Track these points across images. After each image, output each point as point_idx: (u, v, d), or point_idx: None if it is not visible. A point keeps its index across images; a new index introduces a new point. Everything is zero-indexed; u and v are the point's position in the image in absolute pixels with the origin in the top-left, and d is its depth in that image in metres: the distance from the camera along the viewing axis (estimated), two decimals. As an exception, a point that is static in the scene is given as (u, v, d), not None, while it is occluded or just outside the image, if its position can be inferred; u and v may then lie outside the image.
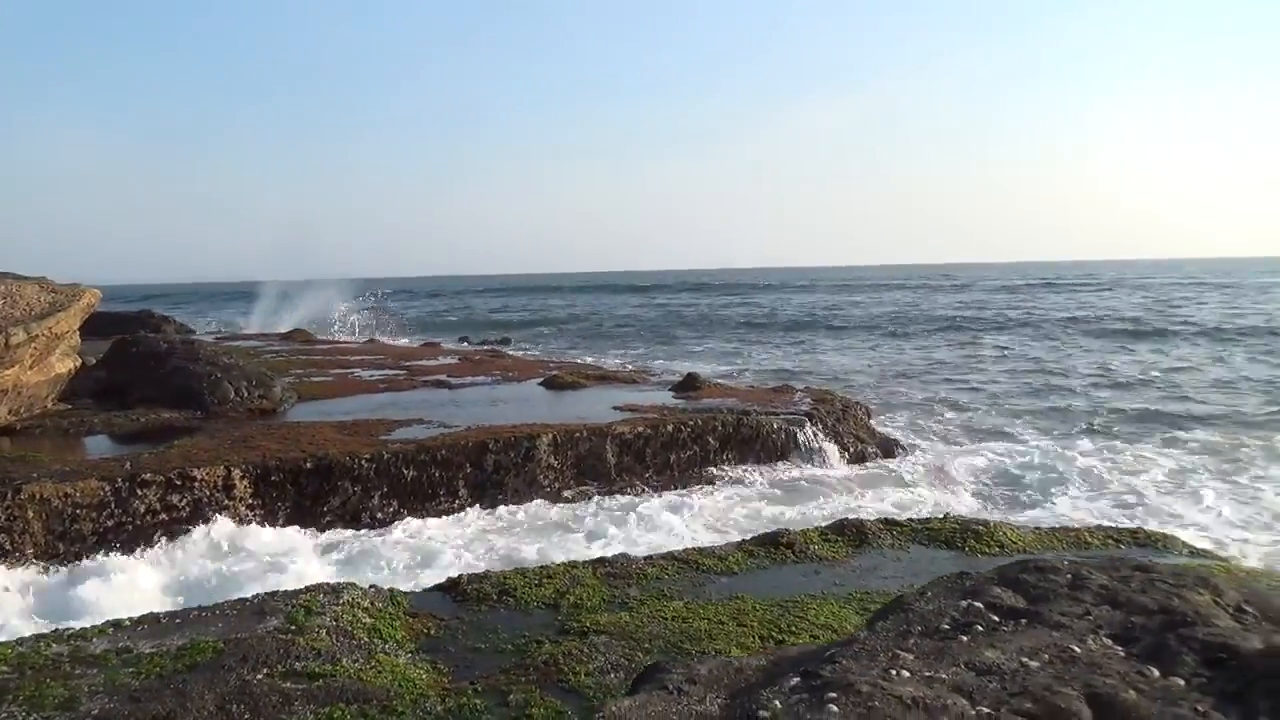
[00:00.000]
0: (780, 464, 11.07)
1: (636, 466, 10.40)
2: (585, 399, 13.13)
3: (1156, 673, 2.04)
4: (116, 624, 4.59)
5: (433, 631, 4.64)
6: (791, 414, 11.79)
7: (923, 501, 9.79)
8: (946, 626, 2.37)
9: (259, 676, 3.91)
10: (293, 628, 4.48)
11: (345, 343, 27.61)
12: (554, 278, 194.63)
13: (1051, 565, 2.71)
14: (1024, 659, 2.11)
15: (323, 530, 8.54)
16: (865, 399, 15.52)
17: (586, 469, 10.12)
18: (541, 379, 15.04)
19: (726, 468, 10.78)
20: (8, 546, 7.47)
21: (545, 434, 10.03)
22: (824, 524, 6.71)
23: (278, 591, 5.22)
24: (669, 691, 2.46)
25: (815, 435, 11.48)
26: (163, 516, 8.17)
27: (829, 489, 10.15)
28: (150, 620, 4.67)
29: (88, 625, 4.63)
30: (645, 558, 5.85)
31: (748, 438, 11.17)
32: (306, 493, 8.82)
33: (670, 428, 10.76)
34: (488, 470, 9.59)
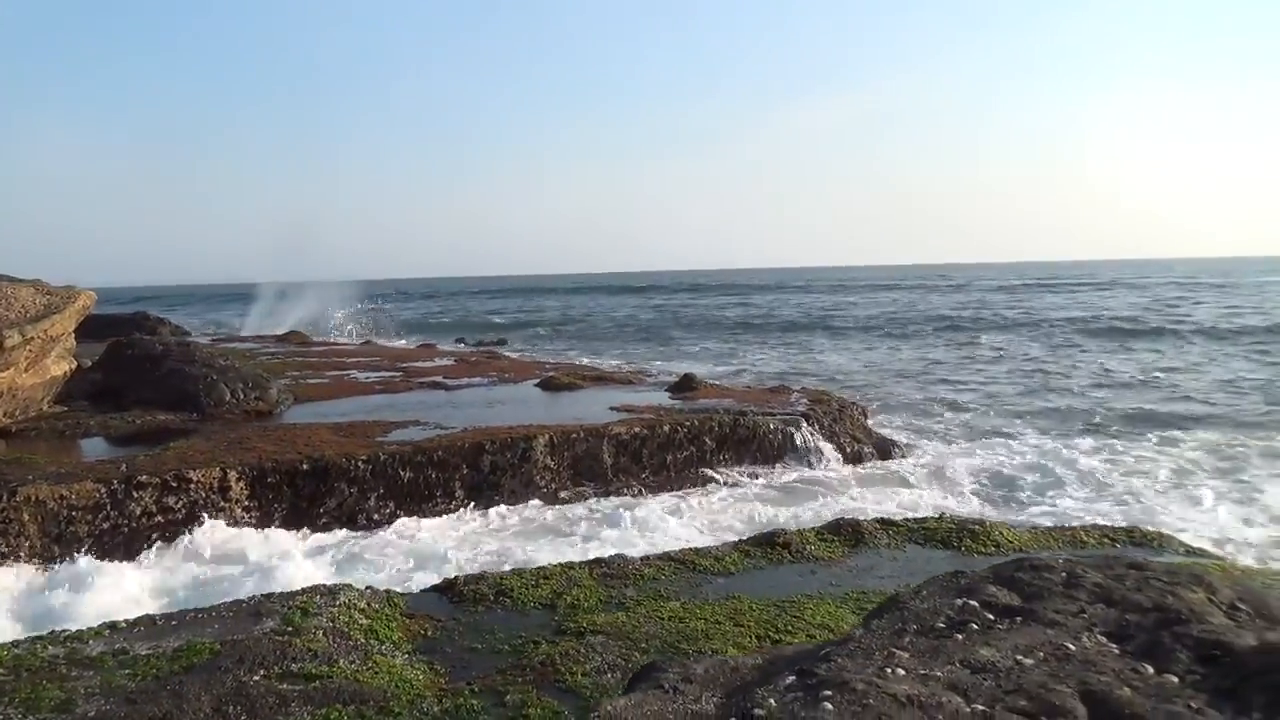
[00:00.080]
0: (777, 465, 11.06)
1: (633, 467, 10.40)
2: (582, 400, 13.12)
3: (1151, 670, 2.05)
4: (113, 626, 4.59)
5: (429, 632, 4.64)
6: (788, 414, 11.79)
7: (920, 502, 9.78)
8: (942, 625, 2.37)
9: (255, 678, 3.91)
10: (289, 629, 4.48)
11: (341, 344, 27.59)
12: (550, 279, 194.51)
13: (1046, 563, 2.72)
14: (1019, 657, 2.11)
15: (318, 532, 8.52)
16: (862, 399, 15.53)
17: (583, 470, 10.11)
18: (538, 380, 15.03)
19: (723, 468, 10.77)
20: (3, 549, 7.44)
21: (542, 435, 10.02)
22: (820, 524, 6.72)
23: (274, 593, 5.22)
24: (665, 690, 2.47)
25: (812, 436, 11.48)
26: (158, 519, 8.15)
27: (825, 489, 10.14)
28: (146, 622, 4.67)
29: (84, 627, 4.63)
30: (642, 558, 5.85)
31: (744, 438, 11.17)
32: (302, 494, 8.80)
33: (667, 428, 10.75)
34: (484, 471, 9.58)
